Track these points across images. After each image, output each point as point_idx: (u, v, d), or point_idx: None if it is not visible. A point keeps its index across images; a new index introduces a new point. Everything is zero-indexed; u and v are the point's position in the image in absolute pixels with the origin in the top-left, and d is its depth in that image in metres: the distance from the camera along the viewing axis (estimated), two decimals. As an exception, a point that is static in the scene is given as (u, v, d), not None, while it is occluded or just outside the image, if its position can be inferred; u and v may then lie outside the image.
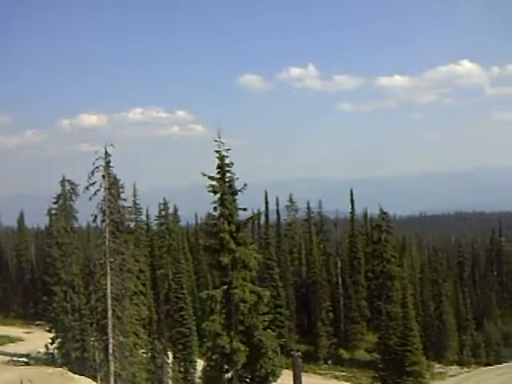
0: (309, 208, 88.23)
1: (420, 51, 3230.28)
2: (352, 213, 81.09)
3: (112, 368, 32.73)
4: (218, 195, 25.56)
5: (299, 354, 27.59)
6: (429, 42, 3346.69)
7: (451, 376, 65.90)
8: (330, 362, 69.64)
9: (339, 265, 76.42)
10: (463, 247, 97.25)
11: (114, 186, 33.20)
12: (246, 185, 26.11)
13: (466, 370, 68.79)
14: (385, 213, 70.24)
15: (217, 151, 25.49)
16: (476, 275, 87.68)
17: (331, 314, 71.64)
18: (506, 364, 69.09)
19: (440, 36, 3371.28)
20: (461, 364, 71.03)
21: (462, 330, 74.84)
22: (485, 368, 68.74)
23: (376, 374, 54.75)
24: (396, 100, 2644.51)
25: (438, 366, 69.32)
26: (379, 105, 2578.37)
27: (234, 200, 25.82)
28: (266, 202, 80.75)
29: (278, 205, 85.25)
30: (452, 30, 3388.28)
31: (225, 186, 25.53)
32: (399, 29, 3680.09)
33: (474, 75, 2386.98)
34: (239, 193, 26.10)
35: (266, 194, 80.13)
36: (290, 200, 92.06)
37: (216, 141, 25.32)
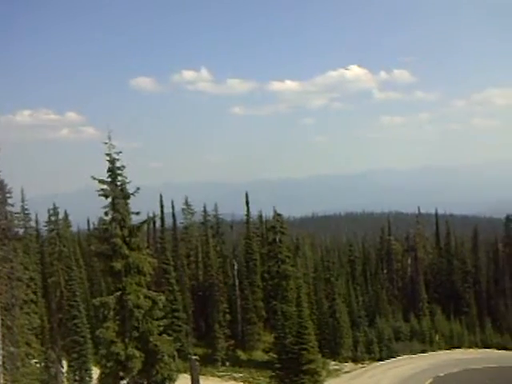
0: (205, 211, 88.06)
1: (310, 56, 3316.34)
2: (247, 215, 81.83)
3: (2, 380, 31.28)
4: (110, 199, 25.02)
5: (196, 357, 27.58)
6: (318, 46, 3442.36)
7: (346, 372, 67.88)
8: (227, 363, 69.71)
9: (236, 266, 76.81)
10: (354, 246, 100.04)
11: (0, 191, 31.83)
12: (138, 188, 25.72)
13: (361, 365, 70.99)
14: (279, 214, 71.41)
15: (107, 154, 24.92)
16: (367, 273, 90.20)
17: (228, 316, 71.84)
18: (397, 358, 72.25)
19: (329, 41, 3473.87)
20: (355, 360, 72.79)
21: (355, 326, 76.84)
22: (378, 363, 71.43)
23: (273, 374, 55.37)
24: (288, 104, 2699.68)
25: (333, 363, 70.67)
26: (272, 109, 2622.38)
27: (127, 204, 25.37)
28: (161, 206, 79.70)
29: (173, 208, 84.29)
30: (341, 35, 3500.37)
31: (116, 190, 25.00)
32: (290, 34, 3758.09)
33: (362, 80, 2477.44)
34: (132, 196, 25.67)
35: (161, 197, 79.12)
36: (186, 203, 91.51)
37: (106, 143, 24.77)
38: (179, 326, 66.65)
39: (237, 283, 75.58)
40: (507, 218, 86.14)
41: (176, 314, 66.63)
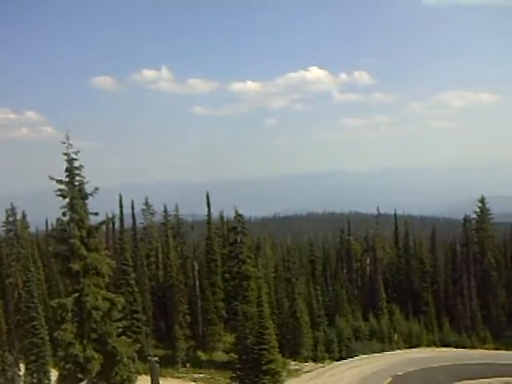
0: (166, 211, 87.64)
1: (271, 57, 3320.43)
2: (208, 215, 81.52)
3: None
4: (67, 199, 24.74)
5: (156, 358, 27.44)
6: (279, 47, 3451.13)
7: (306, 372, 68.15)
8: (188, 364, 69.46)
9: (196, 267, 76.57)
10: (315, 246, 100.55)
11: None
12: (97, 188, 25.48)
13: (321, 365, 71.31)
14: (240, 215, 71.49)
15: (65, 154, 24.62)
16: (327, 273, 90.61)
17: (188, 317, 71.45)
18: (356, 358, 72.95)
19: (290, 42, 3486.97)
20: (315, 360, 72.97)
21: (315, 326, 77.04)
22: (338, 362, 71.97)
23: (234, 374, 55.39)
24: (249, 105, 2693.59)
25: (293, 363, 70.79)
26: (233, 109, 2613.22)
27: (85, 204, 25.13)
28: (121, 206, 78.65)
29: (133, 208, 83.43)
30: (302, 36, 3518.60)
31: (74, 190, 24.74)
32: (250, 34, 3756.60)
33: (323, 81, 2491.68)
34: (91, 197, 25.43)
35: (121, 197, 78.12)
36: (146, 203, 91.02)
37: (64, 143, 24.46)
38: (139, 327, 66.12)
39: (197, 284, 75.36)
40: (465, 218, 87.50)
41: (135, 315, 66.07)
